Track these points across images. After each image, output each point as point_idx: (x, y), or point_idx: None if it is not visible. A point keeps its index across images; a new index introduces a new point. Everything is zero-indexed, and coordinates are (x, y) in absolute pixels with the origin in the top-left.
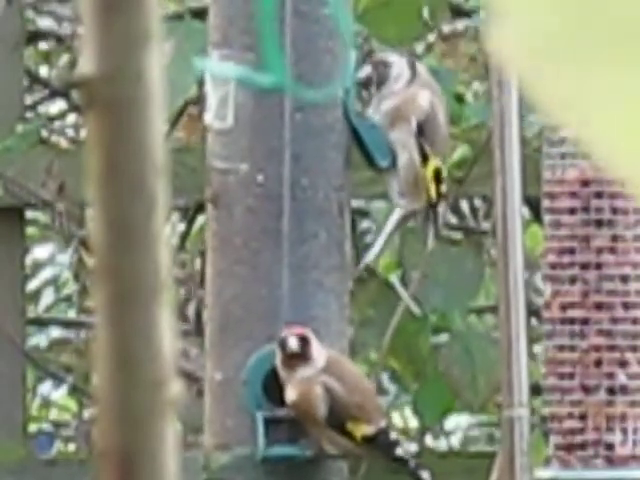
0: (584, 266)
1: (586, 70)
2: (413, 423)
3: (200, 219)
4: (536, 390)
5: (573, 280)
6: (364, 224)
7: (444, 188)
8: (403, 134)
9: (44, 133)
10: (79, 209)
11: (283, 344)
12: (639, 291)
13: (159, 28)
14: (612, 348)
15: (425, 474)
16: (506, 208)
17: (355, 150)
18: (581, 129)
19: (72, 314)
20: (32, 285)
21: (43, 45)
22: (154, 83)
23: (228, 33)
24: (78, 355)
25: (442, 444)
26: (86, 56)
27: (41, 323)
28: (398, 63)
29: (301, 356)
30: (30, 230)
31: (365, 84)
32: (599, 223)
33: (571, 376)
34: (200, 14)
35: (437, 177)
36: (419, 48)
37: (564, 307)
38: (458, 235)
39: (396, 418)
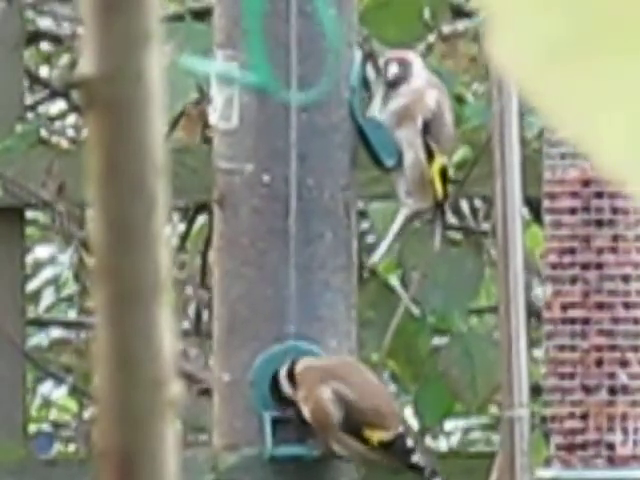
0: (585, 266)
1: (589, 73)
2: (413, 423)
3: (200, 219)
4: (536, 391)
5: (574, 280)
6: (364, 224)
7: (450, 187)
8: (410, 133)
9: (44, 133)
10: (79, 209)
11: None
12: None
13: (159, 28)
14: (613, 348)
15: None
16: (506, 209)
17: (358, 150)
18: (582, 131)
19: (72, 314)
20: (32, 285)
21: (43, 45)
22: (154, 83)
23: (232, 33)
24: (78, 355)
25: (442, 444)
26: (86, 56)
27: (41, 323)
28: (417, 61)
29: None
30: (30, 230)
31: (365, 84)
32: (600, 223)
33: (572, 376)
34: (201, 15)
35: (443, 175)
36: (419, 49)
37: (565, 307)
38: (458, 236)
39: None
